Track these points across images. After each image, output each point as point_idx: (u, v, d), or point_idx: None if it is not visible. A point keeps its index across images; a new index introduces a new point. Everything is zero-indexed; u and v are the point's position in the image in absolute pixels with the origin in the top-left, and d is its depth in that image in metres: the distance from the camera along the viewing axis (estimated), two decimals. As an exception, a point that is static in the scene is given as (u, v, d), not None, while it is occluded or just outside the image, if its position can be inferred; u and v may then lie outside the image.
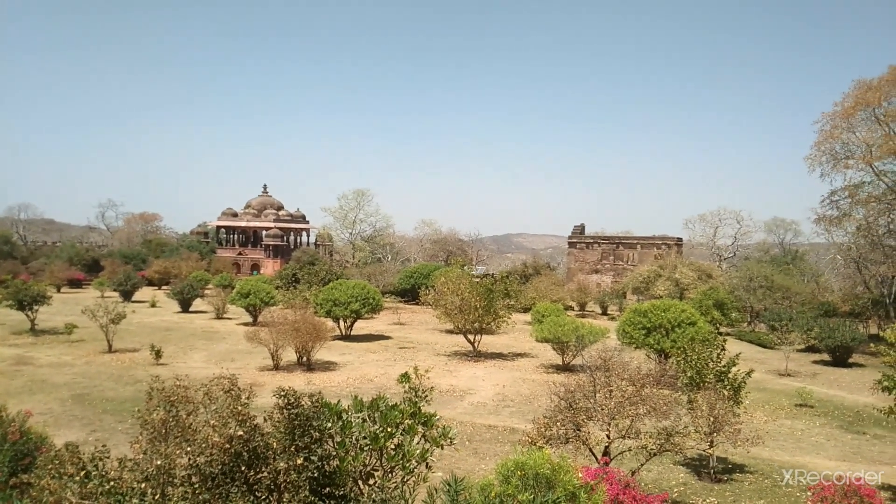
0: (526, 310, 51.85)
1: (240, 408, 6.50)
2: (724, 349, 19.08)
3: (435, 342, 40.23)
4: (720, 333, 39.91)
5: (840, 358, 38.09)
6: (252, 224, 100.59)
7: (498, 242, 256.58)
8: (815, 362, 38.60)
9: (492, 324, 36.87)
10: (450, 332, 42.11)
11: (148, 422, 6.56)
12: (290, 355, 30.78)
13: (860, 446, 21.64)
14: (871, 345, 39.58)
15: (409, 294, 63.69)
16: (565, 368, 31.41)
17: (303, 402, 6.67)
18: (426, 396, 9.18)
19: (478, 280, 40.64)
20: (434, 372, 28.57)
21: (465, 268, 44.16)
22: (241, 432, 6.38)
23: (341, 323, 40.48)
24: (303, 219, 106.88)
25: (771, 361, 37.39)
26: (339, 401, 8.39)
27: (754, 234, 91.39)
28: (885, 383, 16.40)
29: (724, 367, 18.22)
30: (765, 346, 43.45)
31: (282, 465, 6.26)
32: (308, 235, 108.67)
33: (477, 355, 35.13)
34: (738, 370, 18.52)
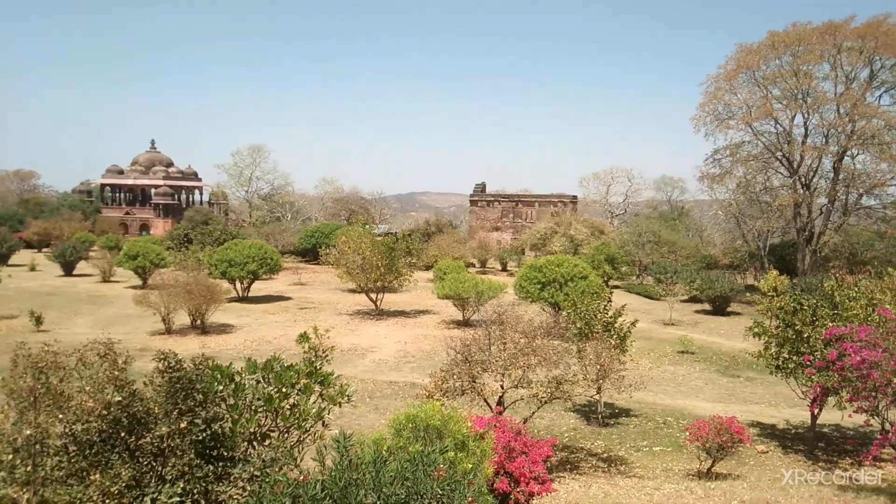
0: (428, 267, 52.27)
1: (116, 373, 6.21)
2: (610, 301, 19.99)
3: (337, 302, 39.94)
4: (608, 285, 41.92)
5: (719, 307, 40.97)
6: (140, 182, 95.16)
7: (402, 201, 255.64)
8: (697, 312, 41.29)
9: (394, 282, 36.95)
10: (352, 291, 41.89)
11: (14, 390, 6.15)
12: (183, 319, 29.70)
13: (734, 388, 23.48)
14: (748, 294, 42.97)
15: (310, 254, 62.63)
16: (465, 324, 32.05)
17: (185, 365, 6.44)
18: (326, 356, 9.09)
19: (380, 238, 40.46)
20: (335, 331, 28.51)
21: (367, 226, 43.81)
22: (118, 398, 6.10)
23: (238, 284, 39.37)
24: (195, 176, 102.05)
25: (657, 312, 39.65)
26: (230, 363, 8.20)
27: (644, 192, 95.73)
28: (756, 330, 17.70)
29: (611, 317, 19.13)
30: (652, 298, 45.98)
31: (164, 429, 6.06)
32: (201, 194, 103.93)
33: (379, 313, 35.21)
34: (624, 320, 19.49)
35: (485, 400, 13.68)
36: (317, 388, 8.79)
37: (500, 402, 13.90)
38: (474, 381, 13.31)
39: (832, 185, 47.43)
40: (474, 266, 64.08)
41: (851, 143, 45.53)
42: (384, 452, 6.44)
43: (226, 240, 49.23)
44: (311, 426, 8.42)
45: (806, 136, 48.38)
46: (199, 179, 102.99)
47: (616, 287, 49.12)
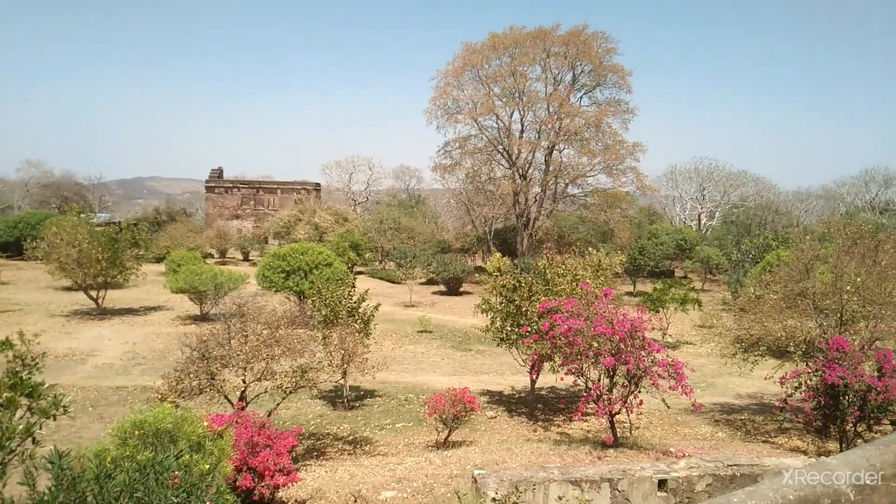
0: (159, 260, 48.48)
1: None
2: (354, 287, 20.42)
3: (49, 302, 35.12)
4: (353, 271, 42.79)
5: (453, 288, 44.07)
6: None
7: (126, 187, 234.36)
8: (434, 293, 43.95)
9: (118, 277, 33.67)
10: (67, 289, 37.19)
11: None
12: None
13: (467, 361, 25.45)
14: (477, 275, 46.77)
15: (13, 248, 54.05)
16: (204, 318, 30.32)
17: None
18: (36, 364, 7.98)
19: (100, 229, 36.37)
20: (48, 335, 25.26)
21: (84, 215, 39.04)
22: None
23: (-86, 287, 32.69)
24: None
25: (398, 295, 41.38)
26: None
27: (384, 181, 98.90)
28: (483, 307, 19.39)
29: (355, 303, 19.54)
30: (393, 282, 47.86)
31: None
32: None
33: (102, 313, 31.78)
34: (368, 305, 20.05)
35: (225, 397, 13.10)
36: (24, 401, 7.70)
37: (242, 398, 13.43)
38: (213, 379, 12.67)
39: (544, 175, 53.40)
40: (213, 256, 60.95)
41: (559, 138, 51.71)
42: (108, 465, 5.87)
43: None
44: (19, 445, 7.36)
45: (522, 131, 53.78)
46: None
47: (360, 273, 50.30)
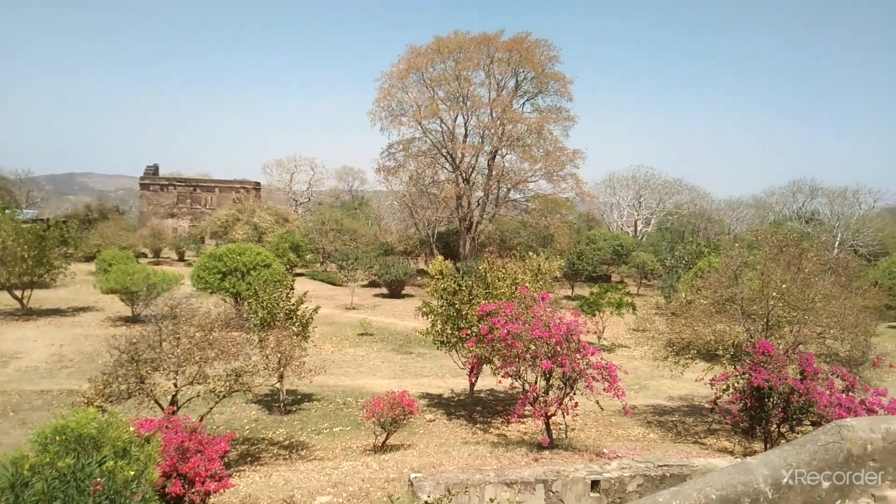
0: (89, 259, 46.76)
1: None
2: (292, 289, 20.11)
3: (-33, 302, 33.39)
4: (292, 272, 42.21)
5: (395, 290, 43.94)
6: None
7: (56, 182, 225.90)
8: (376, 295, 43.72)
9: (45, 276, 32.32)
10: (-11, 288, 35.43)
11: None
12: None
13: (407, 364, 25.39)
14: (419, 278, 46.73)
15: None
16: (135, 320, 29.34)
17: None
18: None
19: (27, 226, 34.79)
20: (-35, 337, 23.94)
21: (9, 211, 37.26)
22: None
23: None
24: None
25: (340, 297, 40.98)
26: None
27: (327, 181, 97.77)
28: (424, 309, 19.38)
29: (293, 305, 19.23)
30: (335, 284, 47.38)
31: None
32: None
33: (27, 313, 30.40)
34: (307, 307, 19.77)
35: (155, 401, 12.68)
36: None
37: (173, 402, 13.03)
38: (143, 382, 12.25)
39: (487, 180, 53.81)
40: (146, 256, 59.17)
41: (502, 143, 52.19)
42: (26, 472, 5.61)
43: None
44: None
45: (466, 135, 54.07)
46: None
47: (300, 274, 49.64)
